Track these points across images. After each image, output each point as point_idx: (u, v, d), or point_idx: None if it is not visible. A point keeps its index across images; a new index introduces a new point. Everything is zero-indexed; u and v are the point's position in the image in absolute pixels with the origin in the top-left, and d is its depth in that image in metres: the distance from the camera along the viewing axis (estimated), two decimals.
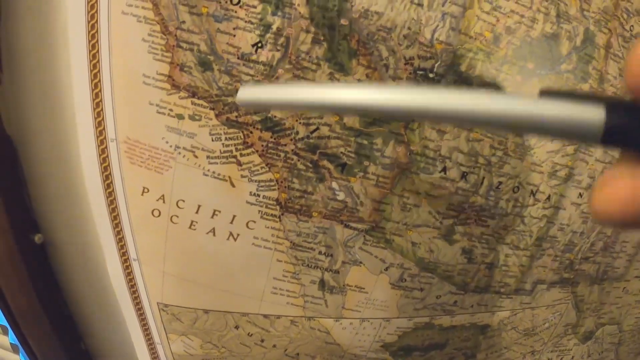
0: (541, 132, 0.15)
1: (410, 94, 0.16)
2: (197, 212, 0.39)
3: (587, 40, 0.41)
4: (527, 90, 0.40)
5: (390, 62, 0.36)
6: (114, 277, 0.44)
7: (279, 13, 0.34)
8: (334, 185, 0.39)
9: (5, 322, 0.45)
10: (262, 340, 0.46)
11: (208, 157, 0.37)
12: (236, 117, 0.36)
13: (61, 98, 0.38)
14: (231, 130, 0.37)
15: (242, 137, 0.37)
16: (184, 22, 0.34)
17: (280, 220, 0.40)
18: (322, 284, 0.42)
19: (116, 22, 0.35)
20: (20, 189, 0.40)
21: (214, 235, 0.40)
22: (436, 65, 0.37)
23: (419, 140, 0.39)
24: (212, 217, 0.39)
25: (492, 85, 0.39)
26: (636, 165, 0.15)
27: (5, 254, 0.40)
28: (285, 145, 0.37)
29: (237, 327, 0.45)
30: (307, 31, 0.35)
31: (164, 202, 0.39)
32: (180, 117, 0.36)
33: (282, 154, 0.38)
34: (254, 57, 0.35)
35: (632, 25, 0.43)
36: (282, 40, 0.35)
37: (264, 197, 0.39)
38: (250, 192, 0.38)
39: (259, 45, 0.35)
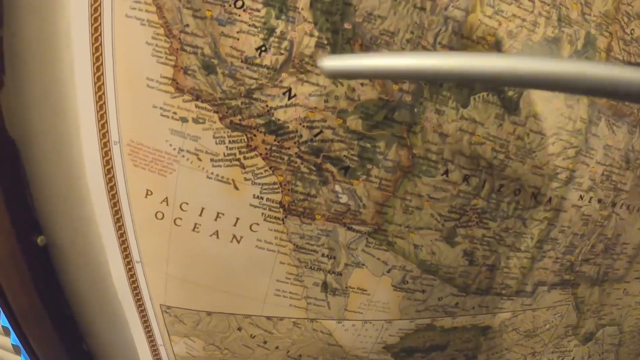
0: None
1: (507, 61, 0.15)
2: (200, 215, 0.39)
3: (588, 44, 0.41)
4: (528, 92, 0.40)
5: None
6: (116, 279, 0.44)
7: (283, 17, 0.34)
8: (337, 188, 0.39)
9: (7, 324, 0.45)
10: (265, 342, 0.46)
11: (212, 160, 0.37)
12: (240, 120, 0.37)
13: (64, 100, 0.38)
14: (235, 134, 0.37)
15: (246, 140, 0.37)
16: (187, 25, 0.34)
17: (283, 223, 0.40)
18: (325, 286, 0.43)
19: (120, 25, 0.35)
20: (22, 190, 0.40)
21: (218, 237, 0.40)
22: None
23: (421, 144, 0.39)
24: (215, 219, 0.39)
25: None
26: None
27: (7, 255, 0.40)
28: (289, 148, 0.37)
29: (239, 329, 0.45)
30: (311, 35, 0.35)
31: (167, 204, 0.39)
32: (184, 120, 0.36)
33: (286, 157, 0.38)
34: (258, 60, 0.35)
35: (633, 29, 0.43)
36: (285, 43, 0.35)
37: (267, 199, 0.39)
38: (254, 195, 0.39)
39: (263, 48, 0.35)
